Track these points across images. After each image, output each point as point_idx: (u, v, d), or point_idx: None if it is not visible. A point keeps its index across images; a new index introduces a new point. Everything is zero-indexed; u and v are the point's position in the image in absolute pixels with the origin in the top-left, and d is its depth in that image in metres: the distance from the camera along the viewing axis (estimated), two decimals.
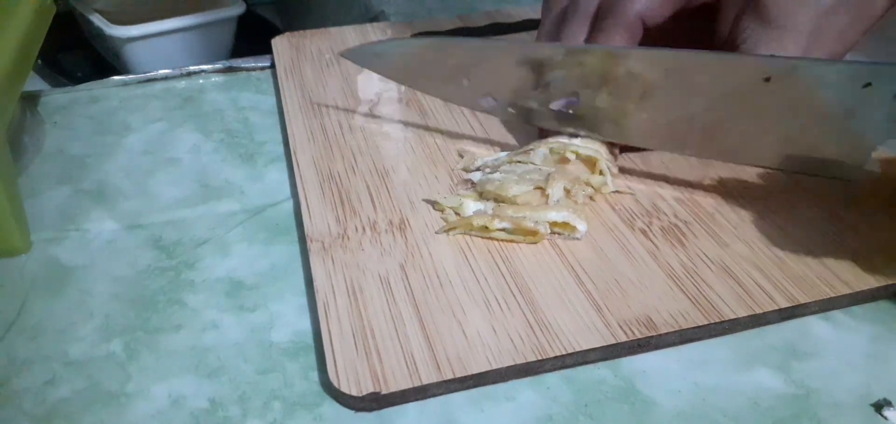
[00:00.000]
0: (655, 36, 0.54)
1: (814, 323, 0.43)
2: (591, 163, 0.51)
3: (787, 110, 0.47)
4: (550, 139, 0.53)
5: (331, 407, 0.38)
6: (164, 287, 0.45)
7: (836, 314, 0.44)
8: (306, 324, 0.43)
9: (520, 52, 0.52)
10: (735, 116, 0.49)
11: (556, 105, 0.52)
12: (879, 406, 0.38)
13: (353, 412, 0.38)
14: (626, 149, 0.55)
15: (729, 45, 0.51)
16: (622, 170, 0.53)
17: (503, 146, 0.56)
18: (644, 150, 0.55)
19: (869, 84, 0.44)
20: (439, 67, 0.55)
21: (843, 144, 0.47)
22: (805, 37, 0.49)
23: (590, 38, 0.54)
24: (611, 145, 0.53)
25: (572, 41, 0.54)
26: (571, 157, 0.51)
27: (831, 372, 0.40)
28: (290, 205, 0.52)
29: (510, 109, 0.54)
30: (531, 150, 0.52)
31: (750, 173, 0.53)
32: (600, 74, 0.50)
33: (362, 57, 0.57)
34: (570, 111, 0.52)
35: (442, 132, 0.58)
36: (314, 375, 0.40)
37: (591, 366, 0.40)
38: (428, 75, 0.56)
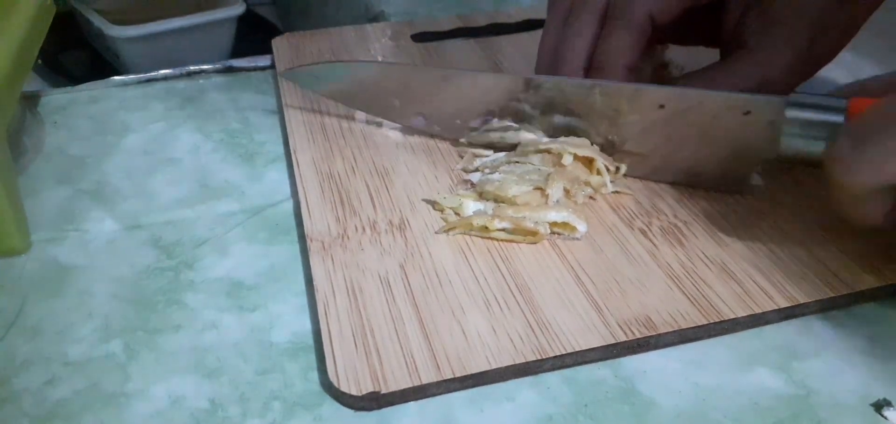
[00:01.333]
0: (664, 34, 0.55)
1: (814, 323, 0.43)
2: (589, 163, 0.51)
3: (681, 133, 0.51)
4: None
5: (331, 408, 0.38)
6: (164, 287, 0.45)
7: (836, 313, 0.44)
8: (306, 324, 0.43)
9: (442, 75, 0.56)
10: (639, 138, 0.52)
11: (475, 123, 0.56)
12: (879, 406, 0.38)
13: (352, 412, 0.38)
14: None
15: (734, 42, 0.52)
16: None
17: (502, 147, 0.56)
18: None
19: (748, 112, 0.49)
20: (374, 88, 0.58)
21: (731, 162, 0.51)
22: (809, 32, 0.51)
23: (600, 36, 0.55)
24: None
25: (579, 36, 0.55)
26: (569, 158, 0.51)
27: (831, 372, 0.40)
28: (289, 205, 0.52)
29: (436, 127, 0.58)
30: (529, 150, 0.52)
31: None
32: (515, 100, 0.54)
33: (302, 78, 0.60)
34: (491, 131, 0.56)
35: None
36: (314, 375, 0.40)
37: (591, 366, 0.40)
38: (363, 97, 0.59)
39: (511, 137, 0.54)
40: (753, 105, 0.48)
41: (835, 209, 0.45)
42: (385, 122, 0.59)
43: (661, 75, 0.62)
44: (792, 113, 0.47)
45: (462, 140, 0.57)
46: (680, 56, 0.64)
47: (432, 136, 0.58)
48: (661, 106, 0.51)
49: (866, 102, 0.44)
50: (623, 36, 0.53)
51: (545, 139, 0.53)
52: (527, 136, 0.54)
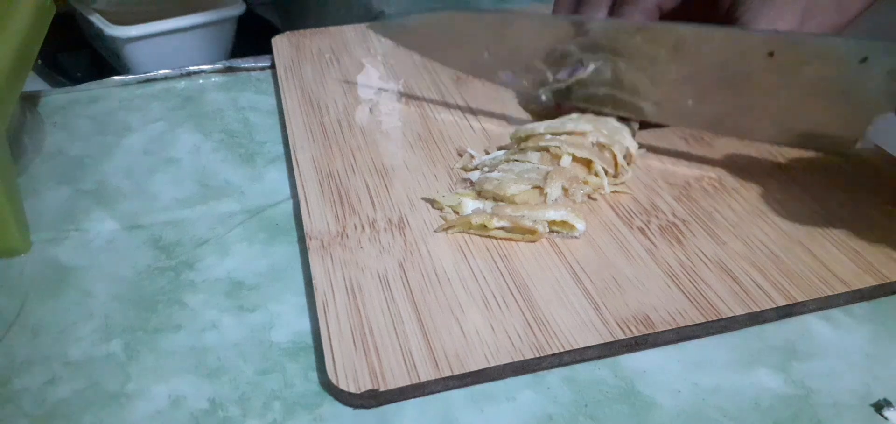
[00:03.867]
0: (669, 18, 0.56)
1: (814, 323, 0.43)
2: (587, 164, 0.51)
3: (789, 84, 0.49)
4: (567, 118, 0.54)
5: (331, 408, 0.38)
6: (164, 287, 0.45)
7: (836, 313, 0.44)
8: (306, 324, 0.43)
9: (539, 22, 0.56)
10: (741, 89, 0.50)
11: (564, 74, 0.55)
12: (879, 407, 0.38)
13: (352, 413, 0.38)
14: (644, 125, 0.56)
15: (728, 18, 0.53)
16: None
17: (502, 146, 0.56)
18: (659, 126, 0.57)
19: (865, 59, 0.45)
20: (462, 39, 0.57)
21: (841, 118, 0.48)
22: (801, 8, 0.51)
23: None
24: (627, 121, 0.55)
25: (596, 11, 0.56)
26: (567, 160, 0.51)
27: (831, 372, 0.40)
28: (289, 205, 0.52)
29: (525, 83, 0.57)
30: (527, 148, 0.52)
31: (748, 173, 0.53)
32: (613, 48, 0.53)
33: (391, 31, 0.61)
34: (581, 87, 0.55)
35: (441, 131, 0.58)
36: (314, 375, 0.40)
37: (591, 367, 0.40)
38: (452, 48, 0.58)
39: (595, 89, 0.55)
40: (872, 51, 0.45)
41: None
42: (384, 121, 0.59)
43: None
44: None
45: (542, 96, 0.57)
46: None
47: (519, 90, 0.59)
48: (771, 54, 0.48)
49: None
50: (634, 19, 0.55)
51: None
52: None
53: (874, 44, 0.45)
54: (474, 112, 0.61)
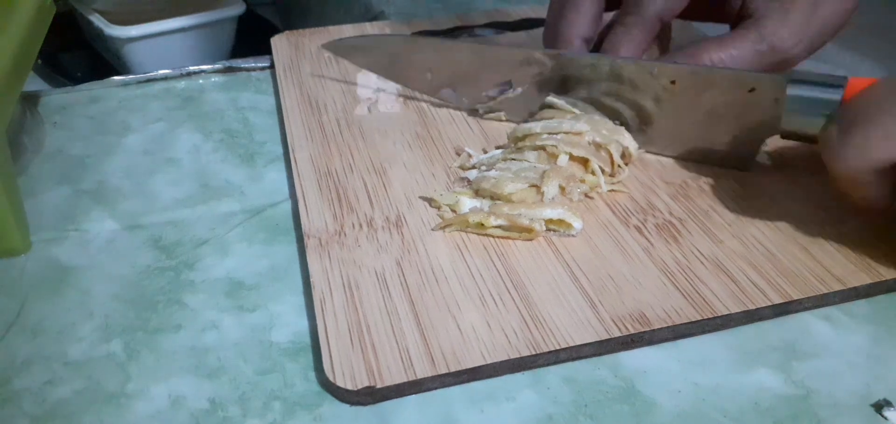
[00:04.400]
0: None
1: (814, 323, 0.43)
2: (584, 163, 0.51)
3: (691, 109, 0.54)
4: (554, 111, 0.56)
5: (330, 407, 0.38)
6: (164, 287, 0.45)
7: (837, 313, 0.44)
8: (306, 324, 0.43)
9: (471, 48, 0.61)
10: (652, 113, 0.55)
11: (494, 92, 0.59)
12: (879, 407, 0.38)
13: (352, 413, 0.38)
14: None
15: (741, 14, 0.56)
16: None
17: (500, 145, 0.57)
18: None
19: (753, 89, 0.51)
20: (408, 62, 0.62)
21: (738, 139, 0.53)
22: (807, 8, 0.53)
23: (609, 31, 0.58)
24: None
25: (575, 12, 0.58)
26: (564, 159, 0.51)
27: (831, 372, 0.40)
28: (289, 205, 0.52)
29: (464, 99, 0.61)
30: (524, 147, 0.53)
31: (744, 172, 0.54)
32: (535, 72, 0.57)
33: (343, 50, 0.64)
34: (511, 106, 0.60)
35: (439, 131, 0.59)
36: (313, 375, 0.40)
37: (591, 367, 0.40)
38: (398, 69, 0.62)
39: (522, 102, 0.58)
40: (758, 82, 0.51)
41: (836, 192, 0.46)
42: (382, 120, 0.60)
43: (663, 46, 0.63)
44: (793, 90, 0.49)
45: (480, 110, 0.61)
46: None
47: (458, 108, 0.61)
48: (673, 82, 0.53)
49: (864, 82, 0.45)
50: (632, 33, 0.56)
51: (558, 102, 0.56)
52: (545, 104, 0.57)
53: (760, 76, 0.51)
54: (471, 111, 0.61)
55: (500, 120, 0.60)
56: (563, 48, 0.57)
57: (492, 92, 0.59)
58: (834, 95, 0.47)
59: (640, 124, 0.56)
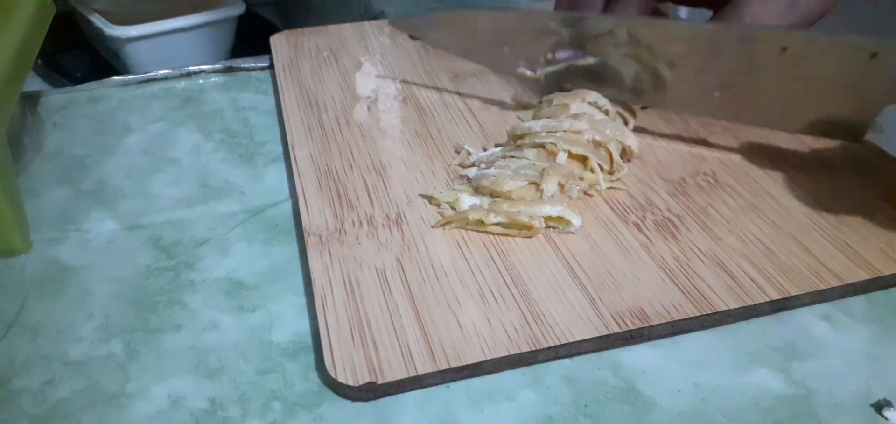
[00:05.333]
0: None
1: (814, 323, 0.43)
2: (583, 160, 0.52)
3: (802, 77, 0.52)
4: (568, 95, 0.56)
5: (331, 407, 0.38)
6: (164, 287, 0.46)
7: (837, 313, 0.44)
8: (306, 324, 0.43)
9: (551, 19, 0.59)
10: (757, 81, 0.53)
11: (562, 56, 0.59)
12: (879, 407, 0.38)
13: (353, 413, 0.38)
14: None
15: (724, 1, 0.56)
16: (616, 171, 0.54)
17: (499, 142, 0.57)
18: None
19: (875, 54, 0.49)
20: (486, 37, 0.61)
21: (851, 108, 0.51)
22: None
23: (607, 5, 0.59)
24: (630, 109, 0.57)
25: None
26: (563, 157, 0.51)
27: (831, 372, 0.41)
28: (289, 205, 0.52)
29: (539, 71, 0.61)
30: (524, 145, 0.53)
31: (742, 169, 0.54)
32: (629, 45, 0.56)
33: (415, 27, 0.66)
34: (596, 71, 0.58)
35: (438, 129, 0.59)
36: (314, 375, 0.40)
37: (591, 367, 0.40)
38: (475, 46, 0.62)
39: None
40: (881, 47, 0.49)
41: None
42: (382, 118, 0.60)
43: None
44: None
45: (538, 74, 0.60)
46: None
47: (533, 80, 0.61)
48: (784, 49, 0.51)
49: None
50: (628, 5, 0.57)
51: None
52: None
53: (884, 40, 0.48)
54: (471, 109, 0.61)
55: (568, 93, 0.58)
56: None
57: (561, 55, 0.59)
58: None
59: (743, 97, 0.55)
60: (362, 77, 0.67)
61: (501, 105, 0.62)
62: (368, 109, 0.62)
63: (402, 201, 0.50)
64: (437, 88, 0.64)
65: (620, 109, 0.58)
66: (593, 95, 0.56)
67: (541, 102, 0.58)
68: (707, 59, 0.54)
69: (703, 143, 0.57)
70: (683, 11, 0.70)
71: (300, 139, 0.57)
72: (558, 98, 0.56)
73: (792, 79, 0.52)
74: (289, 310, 0.44)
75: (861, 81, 0.50)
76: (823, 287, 0.44)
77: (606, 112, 0.55)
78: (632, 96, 0.58)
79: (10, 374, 0.40)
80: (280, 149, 0.59)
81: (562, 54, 0.58)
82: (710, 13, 0.58)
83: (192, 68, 0.70)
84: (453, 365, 0.39)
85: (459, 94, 0.63)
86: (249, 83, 0.68)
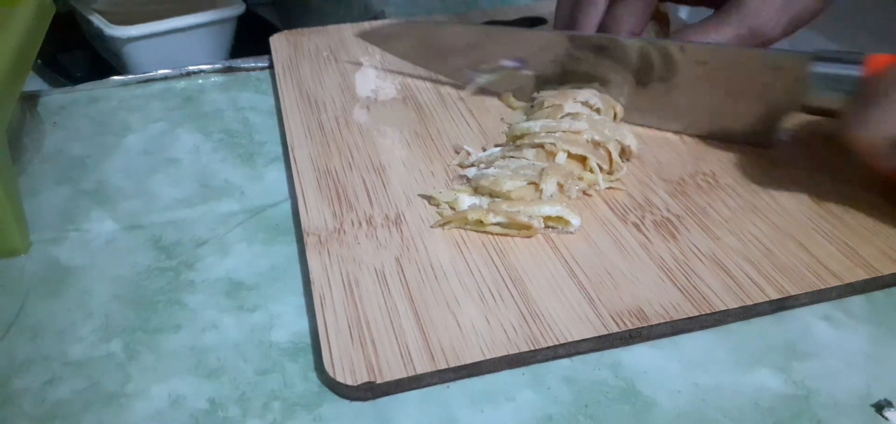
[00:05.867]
0: None
1: (814, 323, 0.43)
2: (582, 160, 0.52)
3: (715, 88, 0.56)
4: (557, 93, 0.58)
5: (331, 407, 0.38)
6: (164, 287, 0.46)
7: (837, 313, 0.44)
8: (306, 324, 0.43)
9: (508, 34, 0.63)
10: (677, 91, 0.57)
11: (508, 63, 0.61)
12: (880, 407, 0.38)
13: (352, 413, 0.38)
14: None
15: None
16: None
17: (498, 142, 0.57)
18: None
19: (779, 67, 0.53)
20: (442, 49, 0.64)
21: (760, 115, 0.56)
22: None
23: (611, 6, 0.60)
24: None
25: (591, 5, 0.60)
26: (563, 157, 0.51)
27: (831, 372, 0.41)
28: (289, 205, 0.52)
29: (482, 78, 0.63)
30: (523, 145, 0.53)
31: (741, 169, 0.54)
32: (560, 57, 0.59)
33: (377, 38, 0.67)
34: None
35: (438, 129, 0.59)
36: (314, 375, 0.40)
37: (591, 367, 0.40)
38: (432, 57, 0.65)
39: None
40: (783, 61, 0.53)
41: (859, 161, 0.48)
42: (381, 119, 0.60)
43: (660, 30, 0.66)
44: (817, 68, 0.51)
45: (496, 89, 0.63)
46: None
47: (493, 93, 0.64)
48: (703, 63, 0.55)
49: (884, 59, 0.48)
50: (630, 5, 0.58)
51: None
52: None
53: (784, 55, 0.53)
54: (471, 110, 0.61)
55: (510, 103, 0.62)
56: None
57: (509, 63, 0.61)
58: (855, 72, 0.49)
59: (662, 104, 0.58)
60: (362, 77, 0.67)
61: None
62: (368, 109, 0.62)
63: (401, 202, 0.50)
64: (436, 90, 0.64)
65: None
66: (585, 94, 0.56)
67: (533, 103, 0.59)
68: (634, 71, 0.58)
69: (703, 143, 0.57)
70: (684, 11, 0.70)
71: (300, 139, 0.57)
72: (550, 98, 0.56)
73: (707, 90, 0.56)
74: (289, 310, 0.44)
75: (765, 92, 0.54)
76: (822, 287, 0.44)
77: (598, 110, 0.55)
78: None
79: (10, 374, 0.40)
80: (280, 149, 0.59)
81: (506, 63, 0.61)
82: (710, 12, 0.58)
83: (191, 68, 0.70)
84: (452, 365, 0.39)
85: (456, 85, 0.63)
86: (249, 83, 0.69)
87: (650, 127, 0.59)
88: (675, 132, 0.58)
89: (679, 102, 0.57)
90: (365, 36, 0.67)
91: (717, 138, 0.57)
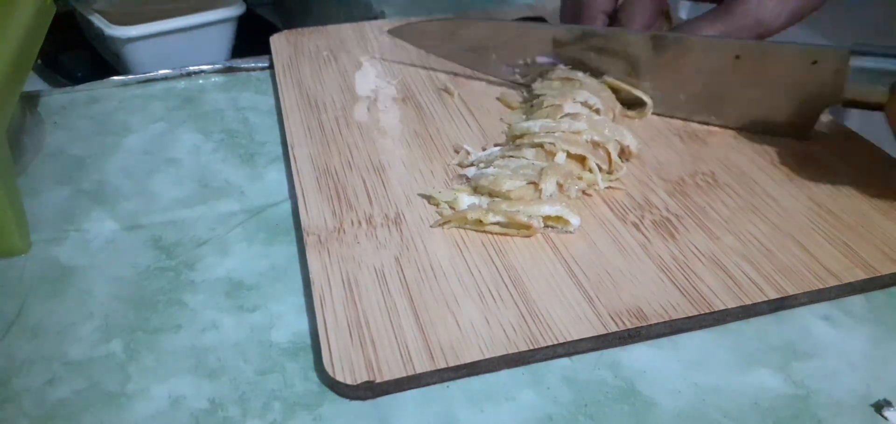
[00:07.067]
0: None
1: (813, 323, 0.43)
2: (581, 160, 0.52)
3: (753, 81, 0.57)
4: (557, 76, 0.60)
5: (330, 407, 0.38)
6: (164, 287, 0.46)
7: (836, 313, 0.44)
8: (306, 324, 0.43)
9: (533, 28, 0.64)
10: (713, 85, 0.58)
11: (543, 59, 0.63)
12: (879, 407, 0.38)
13: (352, 412, 0.38)
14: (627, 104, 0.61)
15: None
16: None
17: (498, 142, 0.57)
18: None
19: (816, 61, 0.54)
20: (473, 44, 0.66)
21: (798, 108, 0.57)
22: None
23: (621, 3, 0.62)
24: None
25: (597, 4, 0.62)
26: (562, 157, 0.51)
27: (831, 372, 0.40)
28: (289, 205, 0.52)
29: (518, 76, 0.65)
30: (522, 145, 0.53)
31: (741, 169, 0.54)
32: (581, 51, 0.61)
33: (409, 35, 0.67)
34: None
35: (437, 129, 0.59)
36: (313, 375, 0.40)
37: (591, 367, 0.40)
38: (464, 52, 0.67)
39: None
40: (821, 55, 0.54)
41: None
42: (381, 118, 0.60)
43: (666, 27, 0.67)
44: (856, 61, 0.52)
45: (529, 83, 0.64)
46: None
47: (514, 84, 0.66)
48: (737, 57, 0.57)
49: None
50: (641, 1, 0.60)
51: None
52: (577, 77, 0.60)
53: (822, 49, 0.54)
54: (470, 109, 0.61)
55: (509, 103, 0.63)
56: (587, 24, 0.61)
57: (544, 59, 0.62)
58: (894, 66, 0.51)
59: (704, 100, 0.59)
60: (362, 77, 0.67)
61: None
62: (368, 109, 0.62)
63: (400, 201, 0.51)
64: (436, 90, 0.64)
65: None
66: (584, 94, 0.56)
67: (531, 101, 0.59)
68: (671, 65, 0.59)
69: (702, 143, 0.57)
70: (684, 11, 0.70)
71: (300, 139, 0.57)
72: (550, 98, 0.56)
73: (744, 83, 0.57)
74: (289, 310, 0.44)
75: (804, 86, 0.55)
76: (822, 287, 0.44)
77: (597, 111, 0.55)
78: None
79: (10, 374, 0.40)
80: (280, 149, 0.59)
81: (541, 59, 0.62)
82: (712, 6, 0.59)
83: (192, 68, 0.70)
84: (451, 364, 0.39)
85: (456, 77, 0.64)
86: (249, 83, 0.69)
87: (689, 120, 0.61)
88: (716, 126, 0.60)
89: (717, 95, 0.59)
90: (396, 33, 0.67)
91: (755, 131, 0.58)
